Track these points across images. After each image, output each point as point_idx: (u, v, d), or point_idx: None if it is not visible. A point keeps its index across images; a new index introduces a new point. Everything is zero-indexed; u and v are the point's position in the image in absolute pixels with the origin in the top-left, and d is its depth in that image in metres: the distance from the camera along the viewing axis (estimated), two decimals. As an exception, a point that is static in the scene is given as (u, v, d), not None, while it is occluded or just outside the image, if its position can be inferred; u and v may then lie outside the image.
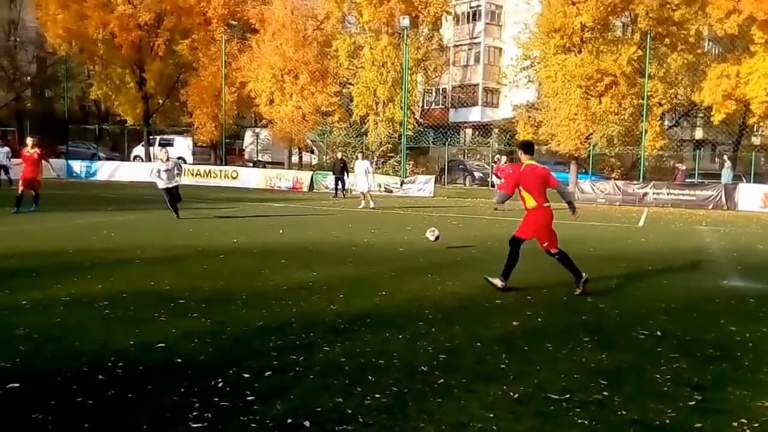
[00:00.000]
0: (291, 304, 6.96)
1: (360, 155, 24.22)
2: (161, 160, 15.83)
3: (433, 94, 49.39)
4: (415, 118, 37.77)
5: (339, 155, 28.38)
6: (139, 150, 40.86)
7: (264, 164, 39.68)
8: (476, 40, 48.75)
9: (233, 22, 38.56)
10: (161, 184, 15.44)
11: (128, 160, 40.46)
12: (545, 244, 7.92)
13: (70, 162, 37.40)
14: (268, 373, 4.74)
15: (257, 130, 42.38)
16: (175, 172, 15.59)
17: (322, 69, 35.09)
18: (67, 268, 8.79)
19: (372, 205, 21.16)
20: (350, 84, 36.75)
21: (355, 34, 37.00)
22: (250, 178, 33.61)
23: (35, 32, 44.92)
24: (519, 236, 7.96)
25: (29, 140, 16.86)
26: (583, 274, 7.82)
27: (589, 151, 30.71)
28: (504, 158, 23.57)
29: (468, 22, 48.87)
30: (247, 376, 4.66)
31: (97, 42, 37.20)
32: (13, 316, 6.19)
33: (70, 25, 35.51)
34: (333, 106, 35.40)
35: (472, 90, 48.89)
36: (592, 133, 30.18)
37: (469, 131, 47.29)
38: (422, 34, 36.87)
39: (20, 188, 16.35)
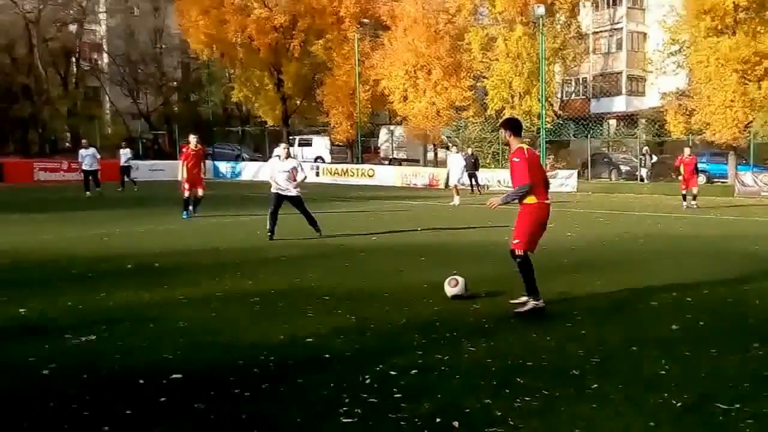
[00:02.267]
0: (433, 302, 6.93)
1: (454, 149, 23.66)
2: (278, 157, 12.22)
3: (573, 84, 47.57)
4: (554, 110, 36.50)
5: (470, 151, 28.07)
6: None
7: (399, 162, 40.11)
8: (618, 26, 46.41)
9: (365, 20, 39.14)
10: (274, 188, 12.02)
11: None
12: (516, 242, 6.49)
13: (216, 163, 39.77)
14: (413, 371, 4.72)
15: (392, 127, 42.87)
16: (294, 176, 11.93)
17: (455, 63, 34.85)
18: (218, 265, 9.23)
19: (456, 202, 20.49)
20: (484, 77, 36.12)
21: (488, 26, 36.33)
22: (386, 176, 34.13)
23: (179, 39, 48.09)
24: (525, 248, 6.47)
25: (192, 138, 15.59)
26: (541, 299, 6.48)
27: (750, 140, 28.39)
28: (687, 150, 21.31)
29: (608, 7, 46.64)
30: (393, 373, 4.67)
31: (236, 46, 39.18)
32: (172, 310, 6.59)
33: (210, 31, 37.72)
34: (467, 101, 35.04)
35: (614, 78, 46.64)
36: (752, 121, 27.87)
37: (612, 122, 45.16)
38: (559, 22, 35.59)
39: (185, 191, 15.33)
